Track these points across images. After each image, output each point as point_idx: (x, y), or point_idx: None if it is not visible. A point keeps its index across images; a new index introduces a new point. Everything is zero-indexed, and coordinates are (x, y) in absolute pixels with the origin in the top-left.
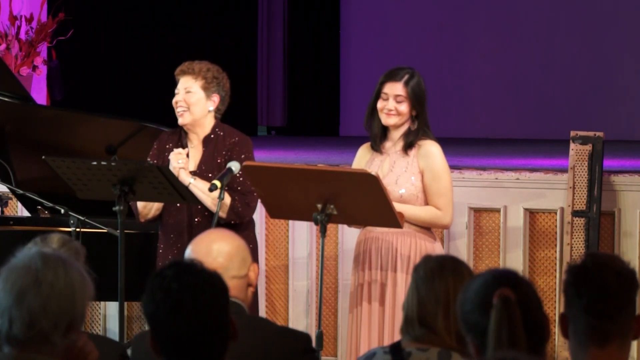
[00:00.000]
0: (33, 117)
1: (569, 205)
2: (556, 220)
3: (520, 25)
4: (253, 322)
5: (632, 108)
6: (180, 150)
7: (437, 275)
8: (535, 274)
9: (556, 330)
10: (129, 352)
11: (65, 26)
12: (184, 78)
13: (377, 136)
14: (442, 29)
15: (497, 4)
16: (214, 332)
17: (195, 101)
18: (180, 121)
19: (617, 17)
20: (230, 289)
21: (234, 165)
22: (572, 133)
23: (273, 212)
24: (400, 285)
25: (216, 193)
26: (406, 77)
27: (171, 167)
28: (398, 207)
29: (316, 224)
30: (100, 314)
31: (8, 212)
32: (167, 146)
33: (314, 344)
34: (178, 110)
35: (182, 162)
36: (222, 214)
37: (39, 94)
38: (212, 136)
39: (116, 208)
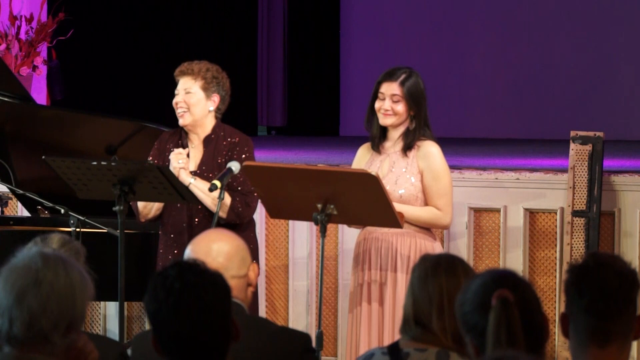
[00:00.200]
0: (33, 117)
1: (569, 205)
2: (556, 220)
3: (520, 25)
4: (253, 322)
5: (632, 108)
6: (180, 150)
7: (431, 274)
8: (535, 274)
9: (556, 330)
10: (129, 352)
11: (65, 26)
12: (183, 79)
13: (377, 136)
14: (442, 29)
15: (497, 4)
16: (216, 332)
17: (196, 102)
18: (181, 122)
19: (617, 17)
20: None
21: (234, 165)
22: (572, 133)
23: (273, 212)
24: (400, 285)
25: (216, 193)
26: (403, 76)
27: (172, 167)
28: (398, 207)
29: (316, 224)
30: (100, 314)
31: (8, 212)
32: (168, 146)
33: (314, 344)
34: (178, 111)
35: (183, 162)
36: (223, 214)
37: (39, 94)
38: (212, 136)
39: (116, 208)
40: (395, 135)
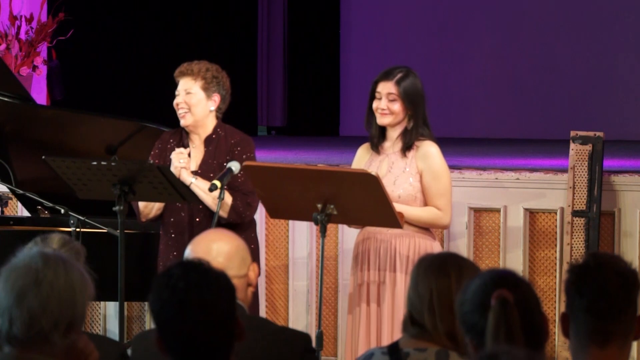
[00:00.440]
0: (33, 117)
1: (569, 205)
2: (556, 220)
3: (520, 26)
4: (253, 322)
5: (632, 108)
6: (181, 149)
7: (422, 274)
8: (535, 274)
9: (556, 330)
10: (129, 352)
11: (65, 26)
12: (183, 79)
13: (375, 136)
14: (442, 29)
15: (497, 4)
16: (220, 331)
17: (196, 102)
18: (183, 123)
19: (617, 17)
20: None
21: (234, 165)
22: (572, 133)
23: (273, 212)
24: (399, 285)
25: (217, 193)
26: (399, 76)
27: (173, 167)
28: (398, 207)
29: (316, 224)
30: (100, 314)
31: (8, 212)
32: (169, 146)
33: (314, 343)
34: (180, 112)
35: (184, 162)
36: (224, 213)
37: (39, 94)
38: (213, 136)
39: (116, 208)
40: (394, 135)
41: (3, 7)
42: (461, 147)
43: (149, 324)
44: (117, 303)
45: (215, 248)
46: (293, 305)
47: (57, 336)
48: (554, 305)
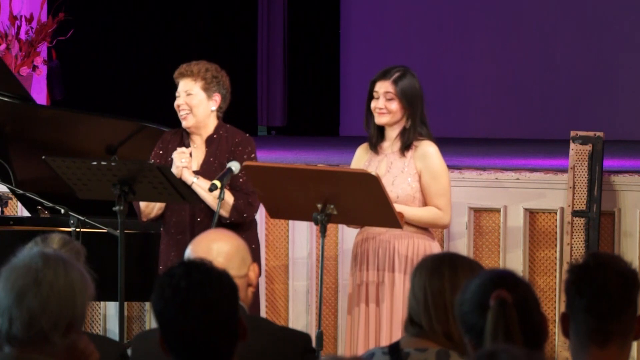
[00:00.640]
0: (33, 117)
1: (569, 205)
2: (556, 220)
3: (520, 26)
4: (253, 322)
5: (632, 108)
6: (183, 149)
7: (418, 275)
8: (535, 274)
9: (556, 330)
10: (129, 352)
11: (65, 26)
12: (183, 81)
13: (374, 136)
14: (442, 29)
15: (497, 4)
16: (223, 330)
17: (197, 103)
18: (184, 124)
19: (617, 16)
20: None
21: (234, 165)
22: (572, 133)
23: (273, 212)
24: (398, 285)
25: (218, 192)
26: (396, 75)
27: (174, 166)
28: (398, 207)
29: (316, 224)
30: (100, 314)
31: (8, 212)
32: (170, 146)
33: (313, 343)
34: (181, 114)
35: (186, 161)
36: (225, 213)
37: (39, 94)
38: (215, 136)
39: (116, 208)
40: (392, 134)
41: (3, 7)
42: (461, 147)
43: (149, 324)
44: (117, 303)
45: (215, 248)
46: (293, 305)
47: (57, 336)
48: (554, 305)
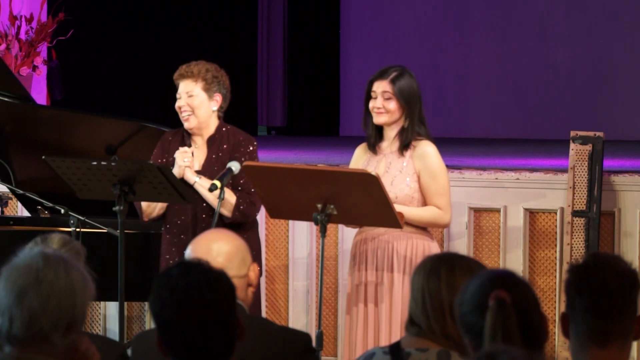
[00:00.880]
0: (33, 117)
1: (569, 205)
2: (556, 220)
3: (520, 26)
4: (253, 322)
5: (632, 108)
6: (186, 148)
7: (416, 275)
8: (535, 274)
9: (556, 330)
10: (129, 352)
11: (65, 26)
12: (184, 82)
13: (372, 136)
14: (442, 29)
15: (497, 4)
16: (221, 330)
17: (199, 104)
18: (187, 125)
19: (617, 17)
20: None
21: (234, 165)
22: (572, 133)
23: (273, 212)
24: (397, 285)
25: (218, 192)
26: (393, 74)
27: (177, 166)
28: (398, 207)
29: (316, 224)
30: (100, 314)
31: (8, 212)
32: (171, 146)
33: (314, 343)
34: (183, 115)
35: (188, 161)
36: (227, 212)
37: (39, 94)
38: (216, 136)
39: (116, 208)
40: (391, 134)
41: (3, 7)
42: (461, 147)
43: (149, 324)
44: (117, 303)
45: (215, 248)
46: (293, 305)
47: (57, 336)
48: (554, 305)
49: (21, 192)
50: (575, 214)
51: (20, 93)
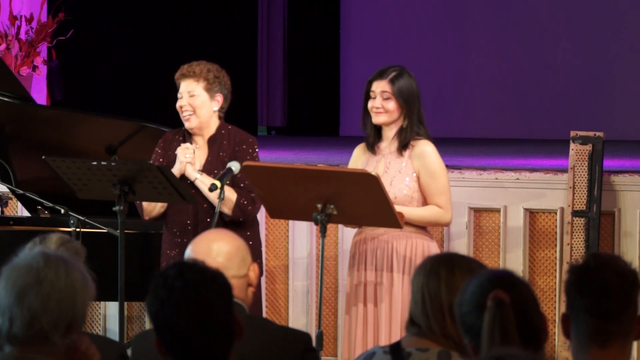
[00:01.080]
0: (33, 117)
1: (569, 205)
2: (556, 220)
3: (520, 26)
4: (253, 321)
5: (632, 108)
6: (187, 145)
7: (416, 275)
8: (535, 274)
9: (556, 330)
10: (129, 352)
11: (65, 26)
12: (185, 82)
13: (371, 136)
14: (442, 29)
15: (497, 4)
16: (219, 329)
17: (200, 104)
18: (188, 125)
19: (617, 16)
20: None
21: (234, 165)
22: (572, 133)
23: (273, 212)
24: (397, 285)
25: (218, 192)
26: (392, 74)
27: (178, 161)
28: (399, 208)
29: (316, 224)
30: (100, 314)
31: (8, 212)
32: (172, 145)
33: (314, 343)
34: (184, 115)
35: (190, 157)
36: (228, 210)
37: (39, 94)
38: (217, 136)
39: (116, 208)
40: (390, 134)
41: (3, 7)
42: (461, 147)
43: (149, 323)
44: (117, 303)
45: (215, 248)
46: (293, 305)
47: (57, 336)
48: (554, 305)
49: (21, 192)
50: (575, 214)
51: (20, 93)
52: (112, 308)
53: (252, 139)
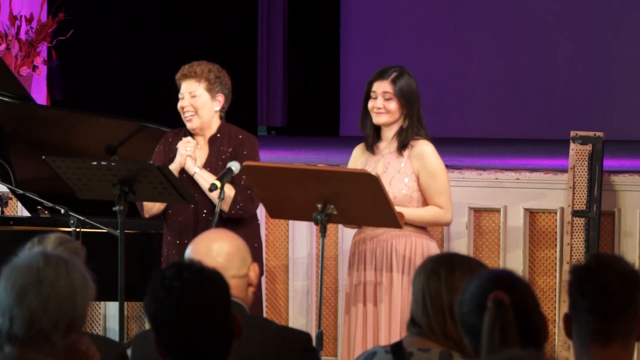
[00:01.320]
0: (33, 117)
1: (569, 205)
2: (556, 220)
3: (520, 26)
4: (253, 321)
5: (632, 108)
6: (189, 138)
7: (416, 276)
8: (535, 274)
9: (556, 330)
10: (128, 352)
11: (65, 26)
12: (186, 82)
13: (370, 137)
14: (442, 29)
15: (497, 4)
16: (218, 329)
17: (202, 104)
18: (189, 126)
19: (617, 16)
20: (231, 289)
21: (234, 165)
22: (572, 133)
23: (273, 212)
24: (396, 285)
25: (218, 191)
26: (394, 75)
27: (178, 154)
28: (400, 208)
29: (316, 224)
30: (100, 314)
31: (8, 212)
32: (173, 145)
33: (314, 343)
34: (186, 116)
35: (190, 150)
36: (225, 207)
37: (39, 94)
38: (217, 135)
39: (116, 208)
40: (389, 134)
41: (3, 7)
42: (461, 147)
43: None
44: (117, 303)
45: (215, 248)
46: (293, 305)
47: (58, 336)
48: (554, 305)
49: (21, 192)
50: (575, 214)
51: (20, 93)
52: (112, 308)
53: (253, 139)
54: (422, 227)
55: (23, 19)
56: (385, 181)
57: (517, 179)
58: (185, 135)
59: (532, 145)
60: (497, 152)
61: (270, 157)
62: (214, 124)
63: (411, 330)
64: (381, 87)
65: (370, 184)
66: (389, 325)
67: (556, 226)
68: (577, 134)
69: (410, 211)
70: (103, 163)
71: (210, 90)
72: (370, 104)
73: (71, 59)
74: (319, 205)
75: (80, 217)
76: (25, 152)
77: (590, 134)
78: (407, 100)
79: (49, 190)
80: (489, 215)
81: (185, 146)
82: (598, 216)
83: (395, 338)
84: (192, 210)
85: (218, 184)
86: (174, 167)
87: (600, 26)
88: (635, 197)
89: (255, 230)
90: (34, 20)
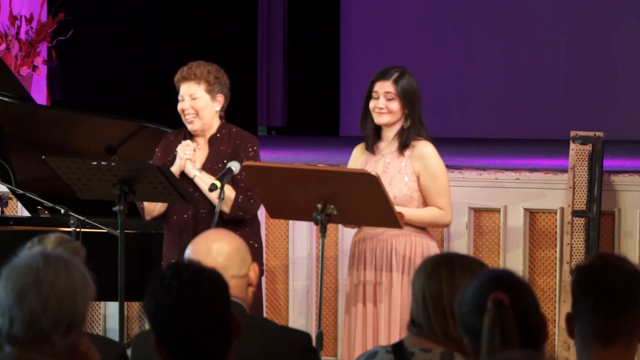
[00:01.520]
0: (33, 117)
1: (569, 205)
2: (556, 220)
3: (520, 26)
4: (253, 321)
5: (632, 108)
6: (188, 142)
7: (416, 276)
8: (535, 274)
9: (556, 330)
10: (128, 352)
11: (65, 26)
12: (186, 84)
13: (371, 137)
14: (442, 29)
15: (497, 4)
16: (217, 329)
17: (203, 106)
18: (191, 128)
19: (617, 16)
20: (230, 289)
21: (234, 166)
22: (572, 133)
23: (273, 212)
24: (396, 285)
25: (218, 191)
26: (395, 75)
27: (178, 157)
28: (400, 209)
29: (316, 224)
30: (100, 314)
31: (8, 212)
32: (173, 146)
33: (314, 343)
34: (187, 118)
35: (190, 154)
36: (227, 208)
37: (39, 94)
38: (217, 135)
39: (116, 208)
40: (390, 135)
41: (3, 7)
42: (461, 147)
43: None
44: (117, 303)
45: (215, 248)
46: (293, 305)
47: (58, 336)
48: (554, 305)
49: (21, 192)
50: (575, 214)
51: (20, 93)
52: (112, 308)
53: (253, 139)
54: (422, 227)
55: (23, 19)
56: (385, 181)
57: (517, 179)
58: (185, 137)
59: (532, 145)
60: (497, 152)
61: (270, 157)
62: (214, 124)
63: (412, 331)
64: (383, 87)
65: (370, 184)
66: (388, 325)
67: (556, 226)
68: (577, 134)
69: (410, 211)
70: (103, 163)
71: (210, 92)
72: (372, 104)
73: (71, 59)
74: (319, 205)
75: (80, 217)
76: (25, 152)
77: (590, 134)
78: (408, 100)
79: (49, 190)
80: (489, 215)
81: (184, 150)
82: (598, 216)
83: (395, 338)
84: (192, 211)
85: (218, 184)
86: (174, 171)
87: (600, 26)
88: (635, 197)
89: (256, 231)
90: (34, 20)
